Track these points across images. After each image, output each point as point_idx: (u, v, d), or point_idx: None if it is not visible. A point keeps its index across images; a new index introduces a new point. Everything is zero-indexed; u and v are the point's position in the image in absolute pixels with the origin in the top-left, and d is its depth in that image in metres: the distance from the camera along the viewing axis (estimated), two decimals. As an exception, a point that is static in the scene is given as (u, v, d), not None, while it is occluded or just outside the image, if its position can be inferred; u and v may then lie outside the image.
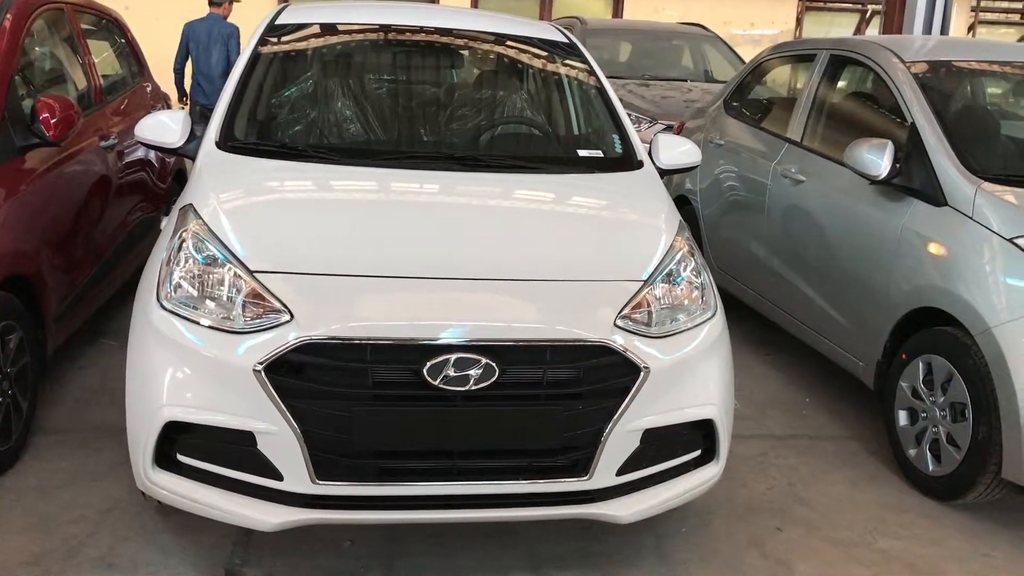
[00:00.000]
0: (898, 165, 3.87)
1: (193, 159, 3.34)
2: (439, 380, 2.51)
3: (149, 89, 5.66)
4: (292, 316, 2.55)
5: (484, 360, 2.53)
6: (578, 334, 2.64)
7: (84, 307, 4.17)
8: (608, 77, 8.40)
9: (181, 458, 2.64)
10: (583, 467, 2.67)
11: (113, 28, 5.42)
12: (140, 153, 4.97)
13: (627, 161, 3.58)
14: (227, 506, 2.61)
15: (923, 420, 3.65)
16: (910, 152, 3.90)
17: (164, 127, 3.43)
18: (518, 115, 3.92)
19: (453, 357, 2.52)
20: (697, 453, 2.89)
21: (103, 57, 5.11)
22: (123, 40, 5.51)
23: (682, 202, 6.08)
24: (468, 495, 2.66)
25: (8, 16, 3.87)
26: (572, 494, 2.71)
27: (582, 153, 3.68)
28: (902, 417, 3.77)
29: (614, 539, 3.13)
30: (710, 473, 2.92)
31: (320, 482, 2.55)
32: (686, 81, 8.76)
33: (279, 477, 2.57)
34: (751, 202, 5.11)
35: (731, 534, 3.28)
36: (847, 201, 4.24)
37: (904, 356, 3.76)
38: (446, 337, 2.55)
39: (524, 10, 14.32)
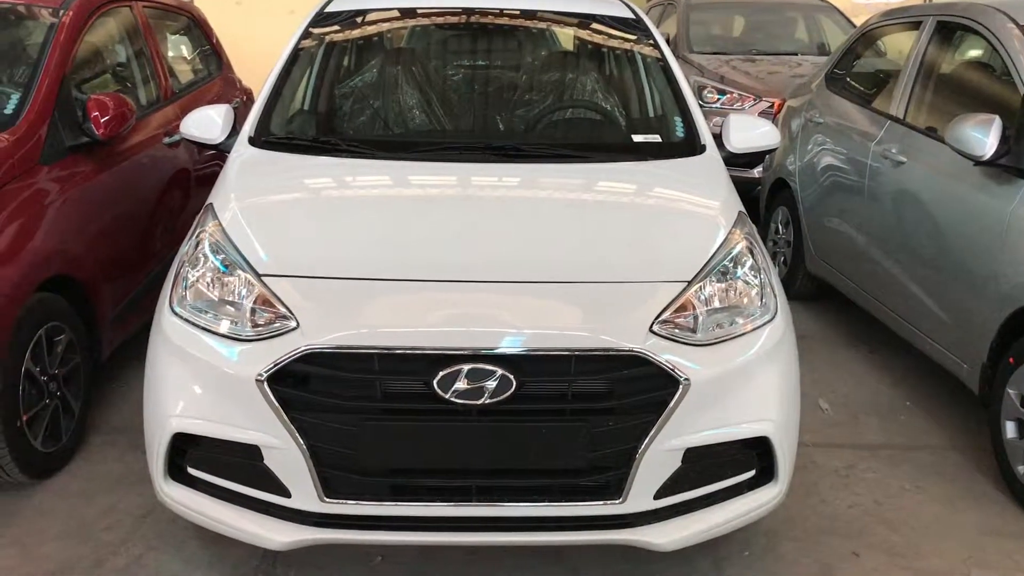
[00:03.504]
0: (1008, 144, 3.42)
1: None
2: (450, 393, 2.30)
3: (229, 83, 5.65)
4: (298, 323, 2.40)
5: (500, 371, 2.31)
6: (606, 342, 2.38)
7: (146, 307, 4.14)
8: (712, 53, 8.18)
9: (192, 471, 2.53)
10: (615, 489, 2.42)
11: (190, 24, 5.42)
12: None
13: (688, 146, 3.27)
14: (236, 522, 2.49)
15: (1033, 433, 3.22)
16: (1021, 128, 3.44)
17: (208, 122, 3.34)
18: (571, 100, 3.63)
19: (465, 368, 2.31)
20: (751, 474, 2.59)
21: (177, 53, 5.11)
22: (201, 35, 5.51)
23: (781, 185, 5.69)
24: (488, 517, 2.45)
25: (68, 14, 3.86)
26: (604, 518, 2.46)
27: (637, 138, 3.38)
28: (1010, 429, 3.33)
29: (665, 562, 2.84)
30: (768, 496, 2.60)
31: (329, 500, 2.40)
32: (796, 55, 8.23)
33: (287, 494, 2.42)
34: (850, 185, 4.68)
35: (800, 560, 2.96)
36: (949, 184, 3.79)
37: (1012, 360, 3.32)
38: (457, 346, 2.33)
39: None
